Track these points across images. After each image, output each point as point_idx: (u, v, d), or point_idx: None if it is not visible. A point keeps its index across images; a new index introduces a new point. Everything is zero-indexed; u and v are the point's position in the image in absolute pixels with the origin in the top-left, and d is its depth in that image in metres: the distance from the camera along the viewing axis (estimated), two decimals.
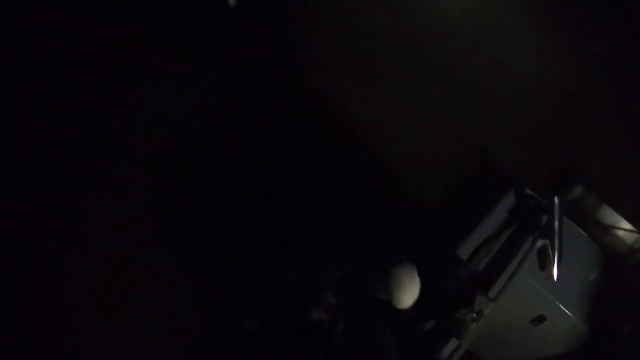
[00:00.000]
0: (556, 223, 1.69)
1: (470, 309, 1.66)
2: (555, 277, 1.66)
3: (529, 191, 1.91)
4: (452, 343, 1.62)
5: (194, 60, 2.57)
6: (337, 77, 2.67)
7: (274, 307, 1.67)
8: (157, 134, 2.29)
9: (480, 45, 3.04)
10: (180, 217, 2.14)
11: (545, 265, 1.70)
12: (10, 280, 1.84)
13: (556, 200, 1.70)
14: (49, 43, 2.35)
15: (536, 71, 2.96)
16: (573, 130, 2.70)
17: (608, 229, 2.00)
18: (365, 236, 2.03)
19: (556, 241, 1.67)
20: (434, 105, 2.75)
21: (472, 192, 2.18)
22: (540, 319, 1.71)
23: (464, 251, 1.80)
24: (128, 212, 2.09)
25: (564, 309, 1.66)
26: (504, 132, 2.61)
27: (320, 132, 2.47)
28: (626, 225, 2.00)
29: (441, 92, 2.84)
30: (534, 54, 3.02)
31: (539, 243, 1.71)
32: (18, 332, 1.80)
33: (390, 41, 2.90)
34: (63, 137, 2.19)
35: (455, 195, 2.31)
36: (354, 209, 2.25)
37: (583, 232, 1.85)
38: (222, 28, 2.67)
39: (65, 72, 2.32)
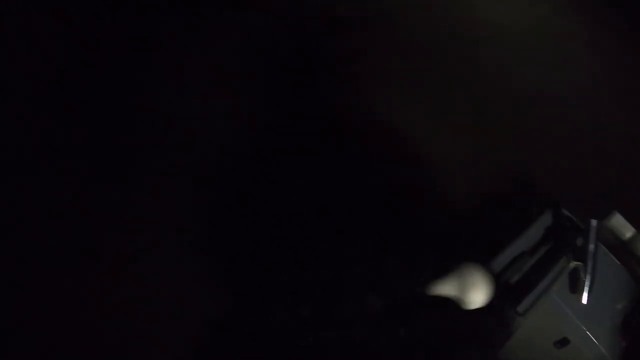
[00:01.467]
0: (591, 246, 1.66)
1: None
2: (584, 301, 1.63)
3: (566, 212, 1.88)
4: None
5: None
6: (371, 84, 2.68)
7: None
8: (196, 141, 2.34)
9: (523, 61, 3.02)
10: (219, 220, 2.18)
11: (576, 288, 1.67)
12: (55, 274, 1.91)
13: (593, 223, 1.67)
14: (100, 47, 2.43)
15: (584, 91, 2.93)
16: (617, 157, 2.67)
17: None
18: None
19: (589, 265, 1.64)
20: (476, 120, 2.75)
21: (508, 209, 2.16)
22: (564, 342, 1.68)
23: (497, 265, 1.79)
24: (166, 216, 2.14)
25: (589, 334, 1.62)
26: (544, 153, 2.59)
27: (355, 139, 2.47)
28: None
29: (479, 108, 2.83)
30: (583, 74, 2.99)
31: (572, 265, 1.69)
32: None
33: (427, 51, 2.90)
34: (105, 142, 2.25)
35: (491, 210, 2.29)
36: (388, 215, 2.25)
37: (617, 261, 1.81)
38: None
39: (112, 75, 2.39)
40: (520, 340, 1.73)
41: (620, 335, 1.69)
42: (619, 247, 1.99)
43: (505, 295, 1.75)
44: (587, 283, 1.64)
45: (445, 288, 1.50)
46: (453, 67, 2.87)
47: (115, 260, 1.97)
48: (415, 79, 2.76)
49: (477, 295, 1.47)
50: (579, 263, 1.67)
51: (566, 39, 3.34)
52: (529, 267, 1.78)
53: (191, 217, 2.13)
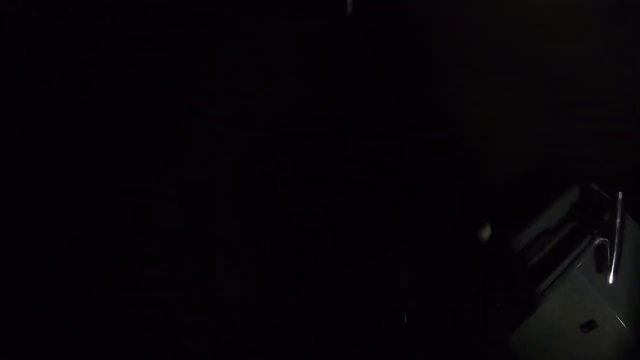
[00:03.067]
0: (618, 221, 1.52)
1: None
2: (611, 280, 1.50)
3: (595, 187, 1.74)
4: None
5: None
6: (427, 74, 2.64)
7: None
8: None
9: (563, 48, 2.85)
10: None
11: (602, 267, 1.54)
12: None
13: (620, 195, 1.53)
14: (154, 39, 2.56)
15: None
16: None
17: None
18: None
19: (616, 241, 1.51)
20: (518, 101, 2.64)
21: (541, 187, 2.04)
22: (590, 325, 1.54)
23: (520, 242, 1.71)
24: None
25: (617, 316, 1.48)
26: (582, 129, 2.42)
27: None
28: None
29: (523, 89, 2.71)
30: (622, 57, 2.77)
31: (598, 241, 1.56)
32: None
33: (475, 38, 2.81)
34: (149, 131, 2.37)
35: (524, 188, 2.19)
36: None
37: None
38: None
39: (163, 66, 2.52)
40: (544, 325, 1.61)
41: None
42: None
43: (525, 274, 1.65)
44: (613, 260, 1.50)
45: None
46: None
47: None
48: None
49: None
50: (604, 239, 1.54)
51: None
52: (551, 246, 1.67)
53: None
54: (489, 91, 2.64)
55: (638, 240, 1.61)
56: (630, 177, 2.21)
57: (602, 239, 1.55)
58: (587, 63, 2.73)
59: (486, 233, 1.65)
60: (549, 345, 1.67)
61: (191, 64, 2.49)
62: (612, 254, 1.51)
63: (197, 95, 2.45)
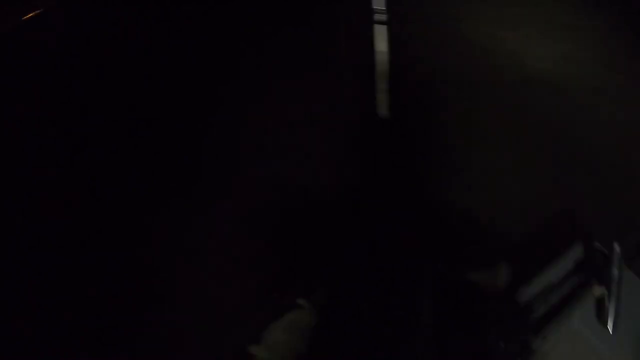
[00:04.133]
0: (615, 271, 1.58)
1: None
2: (610, 329, 1.53)
3: (597, 245, 1.81)
4: None
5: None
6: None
7: None
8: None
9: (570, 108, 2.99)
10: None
11: (601, 316, 1.58)
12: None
13: (616, 246, 1.60)
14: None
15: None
16: None
17: None
18: None
19: (613, 290, 1.56)
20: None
21: (544, 243, 2.10)
22: None
23: (524, 295, 1.76)
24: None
25: None
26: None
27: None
28: None
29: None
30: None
31: (597, 292, 1.61)
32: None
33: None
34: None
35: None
36: None
37: None
38: None
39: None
40: None
41: None
42: None
43: (529, 324, 1.69)
44: (612, 310, 1.54)
45: None
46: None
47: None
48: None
49: None
50: (604, 290, 1.59)
51: None
52: (554, 297, 1.72)
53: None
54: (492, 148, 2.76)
55: (635, 289, 1.66)
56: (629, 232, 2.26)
57: (601, 290, 1.60)
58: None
59: (499, 279, 1.72)
60: None
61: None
62: (611, 304, 1.55)
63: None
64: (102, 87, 2.76)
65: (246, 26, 3.10)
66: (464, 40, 3.15)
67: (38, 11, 2.86)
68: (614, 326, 1.54)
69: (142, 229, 2.28)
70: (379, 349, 1.73)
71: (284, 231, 2.32)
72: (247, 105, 2.77)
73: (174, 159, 2.54)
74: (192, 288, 2.12)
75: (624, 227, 2.04)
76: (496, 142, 2.73)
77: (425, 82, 2.95)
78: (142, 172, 2.47)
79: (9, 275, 2.09)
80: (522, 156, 2.70)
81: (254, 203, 2.40)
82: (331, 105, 2.85)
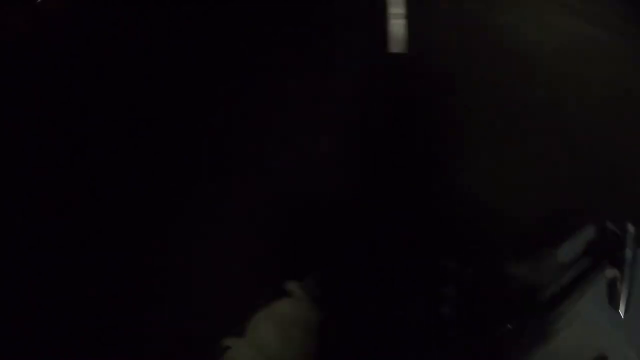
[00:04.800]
0: (629, 253, 1.53)
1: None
2: (622, 313, 1.49)
3: (610, 225, 1.75)
4: None
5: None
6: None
7: None
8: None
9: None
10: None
11: (614, 300, 1.53)
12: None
13: (630, 228, 1.55)
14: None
15: None
16: None
17: None
18: None
19: (626, 272, 1.51)
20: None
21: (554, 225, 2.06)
22: None
23: (536, 275, 1.72)
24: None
25: (629, 350, 1.46)
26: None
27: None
28: None
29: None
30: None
31: (610, 274, 1.56)
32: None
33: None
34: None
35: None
36: None
37: None
38: None
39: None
40: (554, 358, 1.59)
41: None
42: None
43: (538, 307, 1.65)
44: (625, 293, 1.50)
45: None
46: None
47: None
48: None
49: None
50: (616, 272, 1.54)
51: None
52: (566, 279, 1.67)
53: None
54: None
55: None
56: None
57: (614, 272, 1.55)
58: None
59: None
60: None
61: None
62: (623, 287, 1.51)
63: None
64: (101, 86, 2.75)
65: (247, 25, 3.04)
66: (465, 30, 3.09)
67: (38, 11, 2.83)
68: (625, 309, 1.50)
69: (143, 229, 2.28)
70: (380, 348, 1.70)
71: (284, 231, 2.30)
72: (248, 105, 2.74)
73: (175, 159, 2.52)
74: (192, 288, 2.10)
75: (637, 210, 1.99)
76: (501, 130, 2.68)
77: (425, 74, 2.89)
78: (143, 172, 2.45)
79: (8, 275, 2.10)
80: (528, 143, 2.65)
81: (255, 204, 2.38)
82: (334, 103, 2.81)
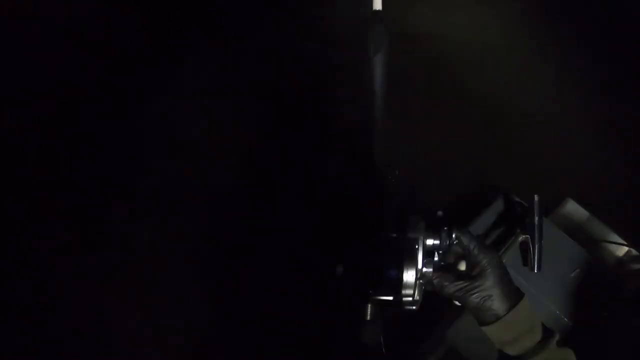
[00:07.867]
0: (536, 218, 1.75)
1: None
2: (535, 270, 1.70)
3: (516, 198, 1.98)
4: None
5: None
6: None
7: None
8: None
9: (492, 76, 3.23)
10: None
11: (527, 260, 1.74)
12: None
13: (536, 198, 1.77)
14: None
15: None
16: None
17: (597, 241, 2.02)
18: None
19: (536, 235, 1.72)
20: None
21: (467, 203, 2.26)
22: None
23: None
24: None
25: (546, 300, 1.68)
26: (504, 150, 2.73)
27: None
28: (615, 238, 2.02)
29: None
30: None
31: (521, 238, 1.78)
32: None
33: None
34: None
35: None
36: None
37: (567, 236, 1.89)
38: None
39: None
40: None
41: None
42: (575, 230, 2.07)
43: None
44: (536, 252, 1.70)
45: None
46: None
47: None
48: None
49: None
50: (526, 236, 1.75)
51: None
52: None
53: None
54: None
55: (558, 238, 1.86)
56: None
57: (524, 236, 1.76)
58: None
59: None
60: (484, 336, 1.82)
61: None
62: (534, 247, 1.71)
63: None
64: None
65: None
66: None
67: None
68: (537, 267, 1.70)
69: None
70: None
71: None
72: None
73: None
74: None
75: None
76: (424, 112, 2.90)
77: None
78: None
79: None
80: (446, 122, 2.90)
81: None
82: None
